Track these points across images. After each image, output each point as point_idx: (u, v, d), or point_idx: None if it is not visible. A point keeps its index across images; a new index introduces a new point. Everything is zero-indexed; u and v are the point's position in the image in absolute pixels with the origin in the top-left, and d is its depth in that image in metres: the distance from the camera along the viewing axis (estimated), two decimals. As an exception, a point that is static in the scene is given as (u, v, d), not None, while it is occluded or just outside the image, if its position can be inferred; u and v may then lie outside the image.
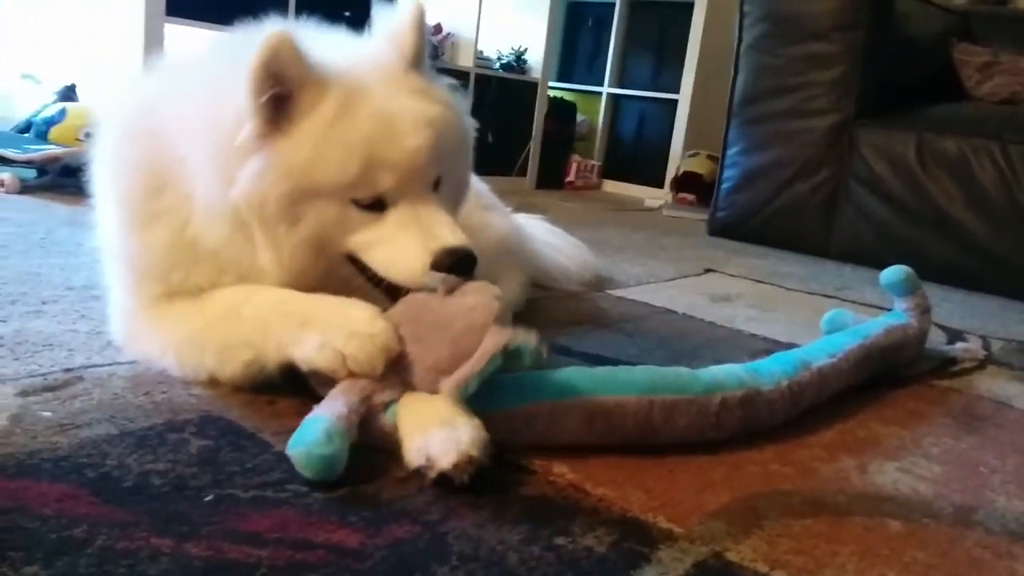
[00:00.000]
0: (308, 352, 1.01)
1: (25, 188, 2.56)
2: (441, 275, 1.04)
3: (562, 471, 0.99)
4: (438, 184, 1.13)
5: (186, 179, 1.09)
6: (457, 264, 1.06)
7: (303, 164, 1.03)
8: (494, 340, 0.95)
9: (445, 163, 1.13)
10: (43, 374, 1.11)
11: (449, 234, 1.08)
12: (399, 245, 1.07)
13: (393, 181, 1.06)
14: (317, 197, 1.05)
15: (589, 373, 1.09)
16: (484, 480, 0.91)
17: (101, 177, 1.20)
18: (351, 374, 0.99)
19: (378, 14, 1.19)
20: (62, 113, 2.92)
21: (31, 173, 2.66)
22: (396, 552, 0.78)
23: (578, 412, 1.03)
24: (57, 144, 2.76)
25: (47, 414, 0.99)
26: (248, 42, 1.02)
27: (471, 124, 1.24)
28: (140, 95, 1.19)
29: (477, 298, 1.01)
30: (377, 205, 1.08)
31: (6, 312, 1.35)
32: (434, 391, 0.97)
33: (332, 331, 1.01)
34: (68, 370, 1.14)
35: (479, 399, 1.00)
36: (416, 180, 1.09)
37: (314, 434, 0.90)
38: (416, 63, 1.14)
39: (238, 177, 1.04)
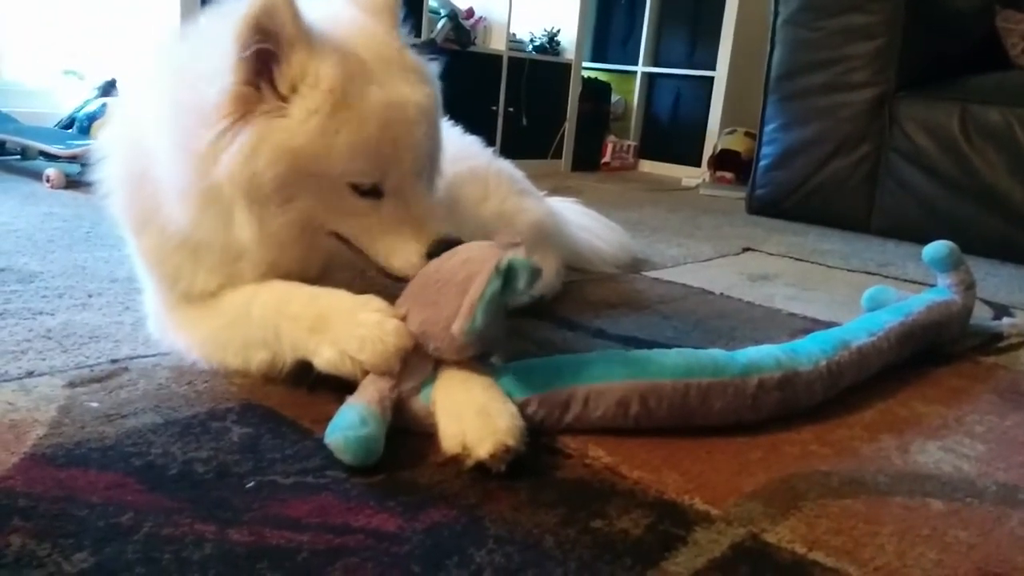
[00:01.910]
0: (324, 362, 1.02)
1: (70, 183, 2.62)
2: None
3: (598, 454, 0.99)
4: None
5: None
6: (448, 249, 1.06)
7: (306, 148, 0.98)
8: (488, 265, 0.95)
9: (434, 151, 1.13)
10: (90, 365, 1.14)
11: (441, 224, 1.08)
12: (396, 236, 1.06)
13: (398, 175, 1.05)
14: (316, 179, 1.01)
15: (624, 357, 1.09)
16: (520, 465, 0.92)
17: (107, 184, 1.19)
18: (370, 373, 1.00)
19: None
20: (103, 108, 2.98)
21: (75, 168, 2.72)
22: (433, 536, 0.79)
23: (613, 396, 1.03)
24: (99, 139, 2.81)
25: (94, 404, 1.02)
26: (222, 17, 1.00)
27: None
28: (134, 87, 1.19)
29: (472, 251, 1.01)
30: (373, 192, 1.05)
31: (54, 305, 1.39)
32: (454, 347, 0.98)
33: (344, 340, 1.00)
34: (114, 361, 1.17)
35: (515, 382, 1.01)
36: (417, 172, 1.08)
37: (349, 419, 0.92)
38: (400, 34, 1.10)
39: (222, 152, 0.98)
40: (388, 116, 1.01)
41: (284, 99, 0.98)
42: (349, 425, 0.91)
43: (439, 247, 1.05)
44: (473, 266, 0.98)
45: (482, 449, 0.90)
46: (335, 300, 1.05)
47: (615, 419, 1.04)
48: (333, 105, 0.98)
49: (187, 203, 1.03)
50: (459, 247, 1.05)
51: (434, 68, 1.16)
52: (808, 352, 1.18)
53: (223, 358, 1.12)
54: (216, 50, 0.98)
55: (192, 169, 1.00)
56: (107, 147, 1.16)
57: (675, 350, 1.12)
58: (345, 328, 1.01)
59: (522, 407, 0.98)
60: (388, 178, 1.04)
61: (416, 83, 1.06)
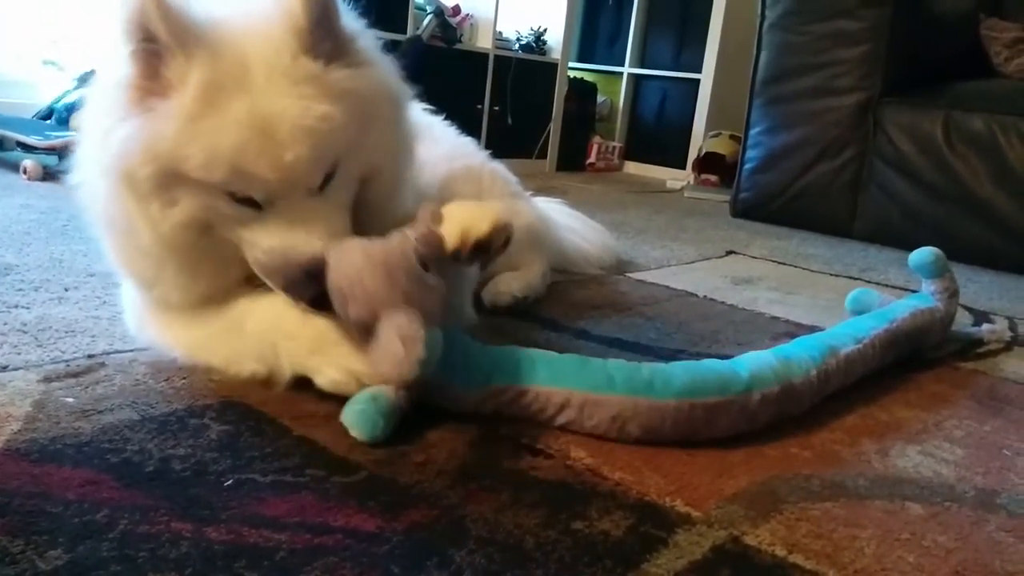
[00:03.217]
0: (328, 382, 1.03)
1: (47, 175, 2.59)
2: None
3: (580, 455, 0.99)
4: (331, 177, 1.03)
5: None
6: (311, 280, 0.99)
7: (168, 152, 0.94)
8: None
9: (338, 159, 1.03)
10: (66, 360, 1.12)
11: (306, 242, 0.99)
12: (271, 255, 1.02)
13: (264, 192, 0.98)
14: (187, 184, 0.97)
15: (629, 371, 1.07)
16: (501, 466, 0.91)
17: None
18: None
19: None
20: (83, 99, 2.94)
21: (53, 159, 2.69)
22: (413, 536, 0.78)
23: (608, 410, 1.02)
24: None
25: (70, 400, 1.00)
26: None
27: (398, 95, 1.12)
28: None
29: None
30: (252, 202, 1.00)
31: (30, 299, 1.37)
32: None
33: (355, 361, 1.00)
34: (90, 356, 1.15)
35: (522, 368, 1.05)
36: (292, 189, 0.99)
37: (360, 395, 0.98)
38: (309, 40, 0.98)
39: (108, 141, 0.97)
40: (247, 134, 0.94)
41: (164, 98, 0.96)
42: (358, 400, 0.97)
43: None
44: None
45: (484, 225, 0.99)
46: (329, 322, 1.04)
47: (608, 431, 1.03)
48: (194, 112, 0.93)
49: (103, 185, 1.02)
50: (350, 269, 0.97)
51: (375, 74, 1.06)
52: (800, 360, 1.17)
53: (207, 361, 1.11)
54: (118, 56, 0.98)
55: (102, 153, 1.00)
56: (80, 144, 1.12)
57: (681, 365, 1.11)
58: (344, 352, 1.02)
59: (521, 394, 1.02)
60: (256, 192, 0.98)
61: (303, 97, 0.97)
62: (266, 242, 1.01)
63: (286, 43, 0.97)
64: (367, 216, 1.10)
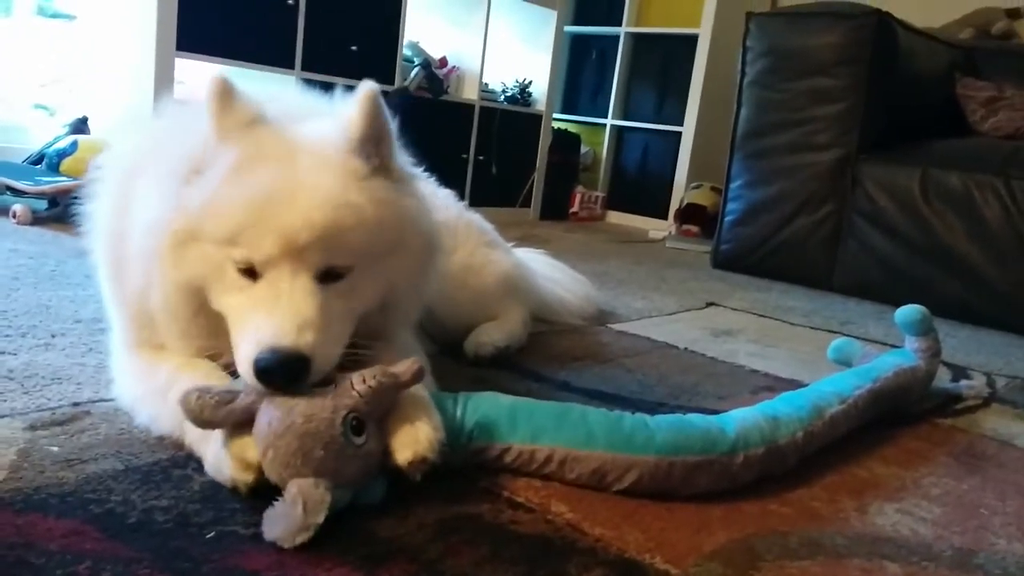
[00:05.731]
0: (208, 467, 0.98)
1: (36, 219, 2.59)
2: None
3: (560, 510, 1.00)
4: (337, 276, 1.01)
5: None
6: (272, 375, 0.93)
7: (196, 208, 0.99)
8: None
9: (351, 257, 1.01)
10: (51, 408, 1.13)
11: (284, 332, 0.94)
12: (250, 326, 0.97)
13: (266, 252, 0.96)
14: (201, 243, 1.00)
15: (610, 426, 1.09)
16: (482, 519, 0.91)
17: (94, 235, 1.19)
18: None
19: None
20: (74, 145, 2.96)
21: (43, 204, 2.69)
22: (395, 592, 0.79)
23: (589, 464, 1.05)
24: (69, 176, 2.79)
25: (55, 449, 1.00)
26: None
27: (434, 242, 1.15)
28: (129, 148, 1.22)
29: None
30: (251, 272, 0.99)
31: (16, 345, 1.37)
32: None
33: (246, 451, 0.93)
34: (76, 404, 1.15)
35: (505, 425, 1.07)
36: (293, 261, 0.97)
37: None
38: (359, 148, 1.03)
39: (152, 205, 1.04)
40: (270, 191, 0.97)
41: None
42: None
43: (259, 364, 0.93)
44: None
45: (401, 456, 0.94)
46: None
47: (588, 482, 1.06)
48: (230, 173, 0.99)
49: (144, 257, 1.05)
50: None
51: (416, 206, 1.11)
52: (787, 420, 1.19)
53: (141, 420, 1.09)
54: (190, 132, 1.05)
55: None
56: (97, 197, 1.19)
57: (667, 419, 1.13)
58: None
59: (503, 452, 1.06)
60: (260, 259, 0.97)
61: (340, 181, 1.00)
62: (242, 310, 0.99)
63: (337, 142, 1.03)
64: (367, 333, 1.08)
